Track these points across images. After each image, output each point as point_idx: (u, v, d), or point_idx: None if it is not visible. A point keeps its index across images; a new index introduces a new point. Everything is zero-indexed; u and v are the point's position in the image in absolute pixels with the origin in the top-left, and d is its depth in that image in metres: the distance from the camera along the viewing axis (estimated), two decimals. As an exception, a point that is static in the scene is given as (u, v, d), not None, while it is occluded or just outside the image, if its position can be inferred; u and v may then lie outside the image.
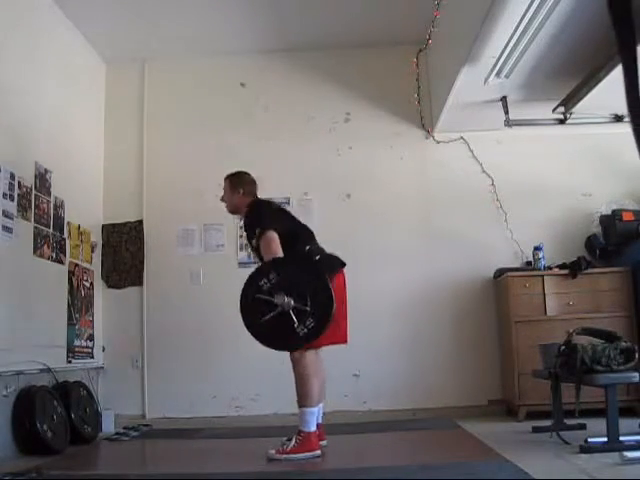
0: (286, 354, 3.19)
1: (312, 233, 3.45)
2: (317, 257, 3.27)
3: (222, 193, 3.62)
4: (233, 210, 3.58)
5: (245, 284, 2.82)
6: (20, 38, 3.94)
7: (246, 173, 3.62)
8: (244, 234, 5.03)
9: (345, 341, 3.35)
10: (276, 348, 2.79)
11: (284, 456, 3.06)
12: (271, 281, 2.77)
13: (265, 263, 2.93)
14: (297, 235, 3.33)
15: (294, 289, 2.74)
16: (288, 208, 4.99)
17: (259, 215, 3.31)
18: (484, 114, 4.63)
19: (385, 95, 5.21)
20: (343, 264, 3.37)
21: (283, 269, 2.82)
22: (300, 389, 3.15)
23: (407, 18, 4.77)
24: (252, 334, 2.76)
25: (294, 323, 2.68)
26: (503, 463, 2.73)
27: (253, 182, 3.60)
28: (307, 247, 3.30)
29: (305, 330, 2.72)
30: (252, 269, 4.91)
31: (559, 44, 3.61)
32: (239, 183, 3.53)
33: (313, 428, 3.13)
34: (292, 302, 2.72)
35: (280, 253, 3.06)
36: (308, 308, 2.71)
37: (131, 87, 5.30)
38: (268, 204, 3.46)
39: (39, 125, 4.14)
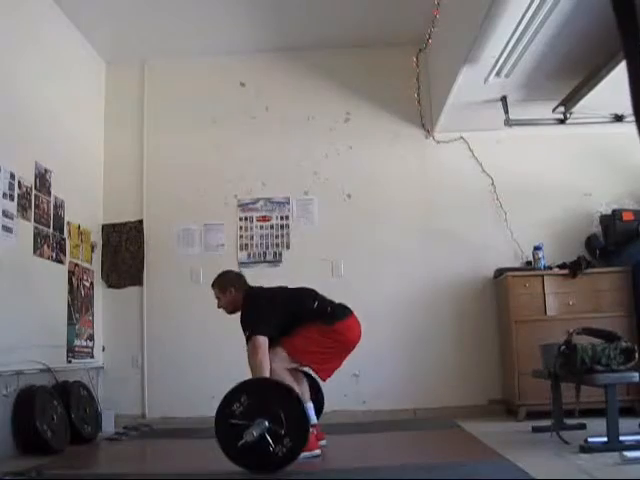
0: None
1: (312, 292, 3.43)
2: (329, 309, 3.32)
3: (217, 297, 3.54)
4: (233, 310, 3.50)
5: (218, 408, 2.78)
6: (20, 38, 3.94)
7: (228, 272, 3.61)
8: (244, 234, 5.08)
9: (324, 379, 3.38)
10: (257, 472, 2.74)
11: None
12: (243, 404, 2.74)
13: (236, 386, 2.88)
14: (297, 310, 3.34)
15: (267, 410, 2.72)
16: (288, 208, 5.06)
17: (250, 314, 3.28)
18: (484, 114, 4.63)
19: (385, 95, 5.21)
20: (351, 312, 3.39)
21: (255, 390, 2.79)
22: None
23: (407, 18, 4.77)
24: (229, 459, 2.72)
25: (270, 445, 2.66)
26: (503, 463, 2.73)
27: (239, 276, 3.58)
28: (315, 304, 3.33)
29: (284, 449, 2.69)
30: (252, 269, 4.95)
31: (559, 44, 3.61)
32: (227, 284, 3.50)
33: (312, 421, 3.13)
34: (266, 423, 2.70)
35: (265, 361, 3.04)
36: (283, 430, 2.68)
37: (131, 87, 5.30)
38: (258, 298, 3.37)
39: (39, 125, 4.14)
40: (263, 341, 3.11)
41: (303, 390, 3.34)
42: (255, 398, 2.74)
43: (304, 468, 2.95)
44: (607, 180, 4.98)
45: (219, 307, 3.54)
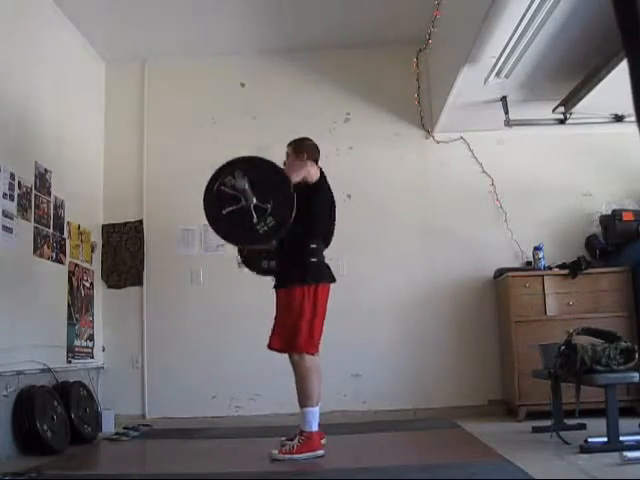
0: (286, 356, 3.22)
1: (329, 233, 3.45)
2: (313, 260, 3.26)
3: (284, 158, 3.56)
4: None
5: (211, 177, 2.82)
6: (20, 38, 3.94)
7: (308, 139, 3.59)
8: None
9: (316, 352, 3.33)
10: (234, 242, 2.78)
11: (287, 456, 3.06)
12: (236, 178, 2.77)
13: (232, 160, 2.92)
14: (320, 222, 3.34)
15: (258, 188, 2.74)
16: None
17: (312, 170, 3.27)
18: (484, 114, 4.63)
19: (385, 95, 5.21)
20: (333, 279, 3.35)
21: (252, 169, 2.83)
22: (301, 389, 3.16)
23: (407, 18, 4.76)
24: (211, 225, 2.77)
25: (253, 219, 2.69)
26: (503, 463, 2.73)
27: (316, 148, 3.57)
28: (313, 245, 3.30)
29: (265, 228, 2.72)
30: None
31: (559, 44, 3.61)
32: (303, 148, 3.50)
33: (315, 428, 3.13)
34: (254, 199, 2.71)
35: (297, 177, 3.06)
36: (269, 207, 2.71)
37: (131, 87, 5.30)
38: (325, 184, 3.40)
39: (39, 125, 4.14)
40: (311, 169, 3.19)
41: (319, 391, 3.30)
42: (249, 175, 2.76)
43: (304, 468, 2.95)
44: (607, 180, 4.98)
45: (284, 165, 3.49)
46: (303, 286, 3.17)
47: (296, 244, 3.22)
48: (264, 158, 2.99)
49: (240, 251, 3.46)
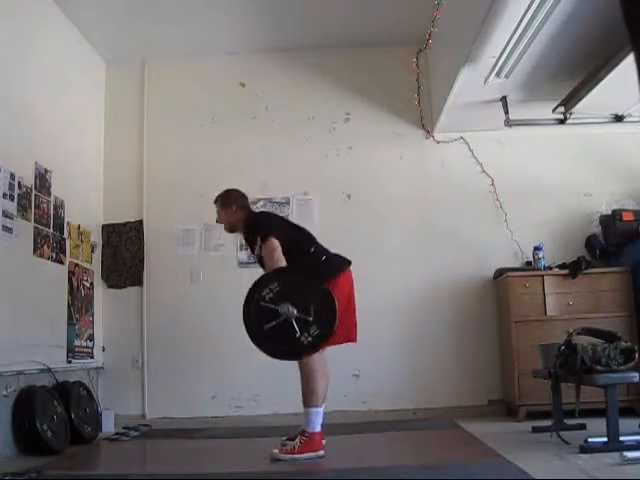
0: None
1: (311, 235, 3.45)
2: (323, 258, 3.27)
3: (216, 216, 3.57)
4: (231, 228, 3.54)
5: (248, 293, 2.80)
6: (20, 38, 3.94)
7: (234, 189, 3.59)
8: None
9: (354, 339, 3.35)
10: (280, 357, 2.75)
11: (289, 456, 3.05)
12: (273, 290, 2.75)
13: (267, 272, 2.91)
14: (298, 239, 3.33)
15: (297, 299, 2.73)
16: (288, 208, 5.06)
17: (258, 225, 3.31)
18: (484, 114, 4.63)
19: (385, 95, 5.21)
20: (349, 262, 3.36)
21: (286, 278, 2.80)
22: (306, 389, 3.14)
23: (407, 18, 4.76)
24: (255, 343, 2.73)
25: (296, 332, 2.67)
26: (503, 463, 2.73)
27: (243, 196, 3.57)
28: (311, 249, 3.30)
29: (310, 339, 2.70)
30: (252, 269, 4.94)
31: (559, 44, 3.61)
32: (230, 200, 3.51)
33: (318, 428, 3.13)
34: (295, 311, 2.70)
35: (283, 261, 3.04)
36: (310, 318, 2.69)
37: (131, 87, 5.30)
38: (265, 213, 3.46)
39: (39, 125, 4.14)
40: (277, 243, 3.09)
41: (326, 390, 3.30)
42: (286, 286, 2.75)
43: (304, 468, 2.95)
44: (607, 180, 4.98)
45: (217, 222, 3.55)
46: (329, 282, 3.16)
47: (301, 262, 3.23)
48: (296, 269, 2.98)
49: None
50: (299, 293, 2.74)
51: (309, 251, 3.29)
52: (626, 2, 0.92)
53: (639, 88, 0.93)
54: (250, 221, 3.40)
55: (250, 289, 2.81)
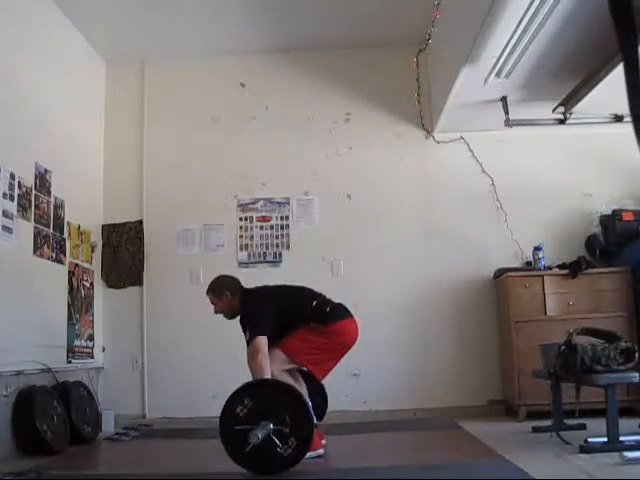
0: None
1: (310, 291, 3.41)
2: (327, 309, 3.28)
3: (213, 303, 3.48)
4: (232, 314, 3.45)
5: (221, 413, 2.76)
6: (20, 38, 3.93)
7: (221, 277, 3.52)
8: (244, 234, 5.08)
9: (319, 378, 3.37)
10: (263, 475, 2.74)
11: None
12: (247, 406, 2.73)
13: (237, 389, 2.86)
14: (297, 306, 3.31)
15: (271, 412, 2.69)
16: (288, 208, 5.06)
17: (248, 314, 3.25)
18: (484, 114, 4.63)
19: (385, 95, 5.21)
20: (350, 314, 3.35)
21: (257, 393, 2.78)
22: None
23: (407, 18, 4.76)
24: (238, 464, 2.72)
25: (277, 446, 2.65)
26: (503, 463, 2.73)
27: (232, 279, 3.50)
28: (314, 303, 3.30)
29: (290, 450, 2.69)
30: (252, 269, 4.95)
31: (559, 44, 3.61)
32: (221, 289, 3.43)
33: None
34: (271, 425, 2.68)
35: (265, 363, 3.00)
36: (287, 430, 2.68)
37: (131, 87, 5.30)
38: (255, 298, 3.34)
39: (39, 125, 4.14)
40: (263, 342, 3.07)
41: (302, 391, 3.33)
42: (258, 400, 2.73)
43: (304, 468, 2.94)
44: (607, 180, 4.98)
45: (216, 312, 3.49)
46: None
47: (306, 316, 3.25)
48: (266, 379, 2.95)
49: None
50: (273, 405, 2.71)
51: (311, 305, 3.29)
52: (615, 12, 0.92)
53: (627, 93, 0.94)
54: (242, 307, 3.33)
55: (223, 408, 2.77)
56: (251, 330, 3.13)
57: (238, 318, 3.36)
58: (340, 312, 3.32)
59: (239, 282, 3.49)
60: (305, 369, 3.34)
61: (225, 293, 3.42)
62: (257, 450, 2.64)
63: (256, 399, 2.74)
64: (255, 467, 2.72)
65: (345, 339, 3.27)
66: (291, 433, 2.67)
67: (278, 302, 3.30)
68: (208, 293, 3.49)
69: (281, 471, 2.70)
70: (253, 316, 3.22)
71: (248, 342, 3.13)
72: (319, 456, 3.09)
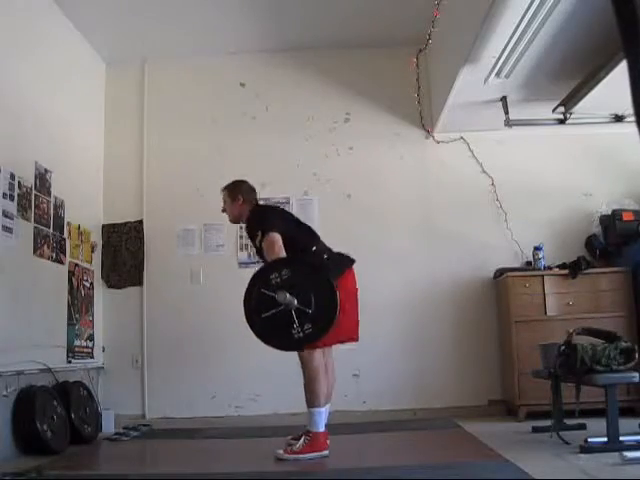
0: (291, 354, 3.20)
1: (316, 233, 3.43)
2: (325, 256, 3.25)
3: (222, 204, 3.56)
4: (235, 219, 3.54)
5: (254, 275, 2.77)
6: (20, 38, 3.93)
7: (243, 181, 3.57)
8: (244, 234, 5.07)
9: (356, 339, 3.33)
10: (272, 345, 2.75)
11: (293, 456, 3.06)
12: (282, 277, 2.73)
13: (280, 259, 2.88)
14: (301, 237, 3.31)
15: (301, 290, 2.70)
16: (288, 208, 5.06)
17: (261, 219, 3.28)
18: (484, 114, 4.63)
19: (385, 95, 5.21)
20: (352, 261, 3.33)
21: (297, 268, 2.78)
22: (308, 389, 3.15)
23: (407, 18, 4.76)
24: (250, 327, 2.72)
25: (293, 323, 2.65)
26: (503, 463, 2.73)
27: (252, 189, 3.56)
28: (313, 247, 3.29)
29: (301, 334, 2.68)
30: (252, 269, 4.93)
31: (559, 44, 3.61)
32: (238, 192, 3.48)
33: (322, 428, 3.13)
34: (295, 302, 2.68)
35: (283, 254, 3.02)
36: (310, 311, 2.67)
37: (131, 87, 5.30)
38: (269, 208, 3.44)
39: (39, 125, 4.14)
40: (277, 236, 3.07)
41: (329, 390, 3.30)
42: (295, 276, 2.73)
43: (304, 468, 2.95)
44: (607, 180, 4.98)
45: (223, 211, 3.52)
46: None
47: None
48: (305, 259, 2.95)
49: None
50: (305, 284, 2.71)
51: (311, 249, 3.27)
52: (618, 9, 0.92)
53: (631, 93, 0.94)
54: (253, 214, 3.38)
55: (257, 271, 2.79)
56: (265, 228, 3.13)
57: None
58: (336, 264, 3.23)
59: (256, 195, 3.56)
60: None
61: (238, 196, 3.46)
62: (273, 319, 2.63)
63: (294, 274, 2.73)
64: (262, 333, 2.70)
65: (345, 291, 3.15)
66: (311, 319, 2.66)
67: (287, 223, 3.31)
68: (223, 190, 3.54)
69: (282, 349, 2.69)
70: (266, 218, 3.26)
71: (262, 239, 3.12)
72: (324, 457, 3.09)
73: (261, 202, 5.01)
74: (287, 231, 3.20)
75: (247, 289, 2.76)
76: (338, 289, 3.02)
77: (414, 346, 4.85)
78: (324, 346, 3.19)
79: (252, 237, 3.30)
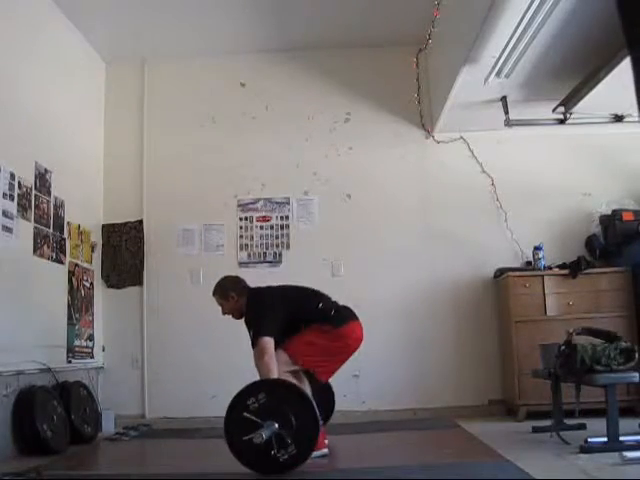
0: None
1: (319, 292, 3.42)
2: (332, 312, 3.28)
3: (220, 308, 3.50)
4: (241, 315, 3.44)
5: (233, 399, 2.76)
6: (20, 38, 3.93)
7: (225, 278, 3.53)
8: (244, 234, 5.08)
9: (324, 380, 3.34)
10: (253, 469, 2.72)
11: None
12: (259, 401, 2.72)
13: (256, 382, 2.87)
14: (305, 303, 3.32)
15: (280, 414, 2.68)
16: (288, 208, 5.07)
17: (256, 314, 3.23)
18: (484, 114, 4.63)
19: (385, 95, 5.21)
20: (356, 317, 3.35)
21: (274, 391, 2.77)
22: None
23: (407, 18, 4.76)
24: (232, 451, 2.70)
25: (273, 449, 2.64)
26: (503, 463, 2.73)
27: (237, 280, 3.51)
28: (319, 305, 3.30)
29: (285, 456, 2.67)
30: (252, 269, 4.94)
31: (559, 44, 3.61)
32: (227, 291, 3.44)
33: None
34: (276, 426, 2.66)
35: (272, 363, 2.99)
36: (291, 436, 2.65)
37: (131, 87, 5.30)
38: (266, 294, 3.32)
39: (39, 125, 4.14)
40: (269, 342, 3.06)
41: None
42: (272, 399, 2.72)
43: (304, 468, 2.94)
44: (607, 180, 4.98)
45: (224, 314, 3.49)
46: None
47: (312, 317, 3.26)
48: (286, 381, 2.93)
49: None
50: (284, 408, 2.70)
51: (317, 307, 3.30)
52: (623, 10, 0.92)
53: (636, 96, 0.93)
54: (249, 308, 3.32)
55: (235, 396, 2.77)
56: (257, 331, 3.11)
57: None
58: (345, 315, 3.31)
59: (244, 282, 3.49)
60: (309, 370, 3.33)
61: (231, 294, 3.42)
62: (254, 444, 2.63)
63: (270, 397, 2.72)
64: (247, 460, 2.69)
65: (349, 342, 3.26)
66: (293, 441, 2.66)
67: (284, 303, 3.29)
68: (215, 295, 3.49)
69: (269, 474, 2.68)
70: (259, 316, 3.20)
71: (253, 343, 3.11)
72: (323, 455, 3.08)
73: (260, 202, 5.10)
74: (289, 309, 3.23)
75: (226, 415, 2.75)
76: (339, 338, 3.18)
77: (414, 346, 4.85)
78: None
79: (248, 328, 3.25)
